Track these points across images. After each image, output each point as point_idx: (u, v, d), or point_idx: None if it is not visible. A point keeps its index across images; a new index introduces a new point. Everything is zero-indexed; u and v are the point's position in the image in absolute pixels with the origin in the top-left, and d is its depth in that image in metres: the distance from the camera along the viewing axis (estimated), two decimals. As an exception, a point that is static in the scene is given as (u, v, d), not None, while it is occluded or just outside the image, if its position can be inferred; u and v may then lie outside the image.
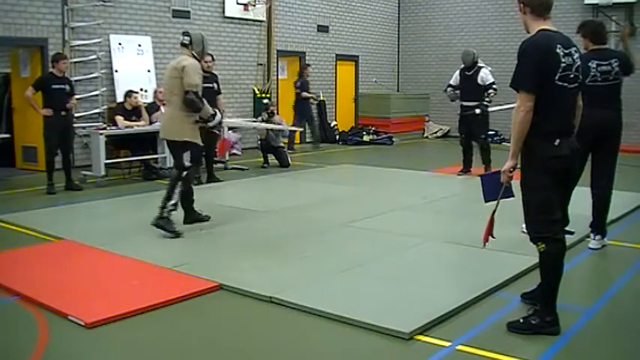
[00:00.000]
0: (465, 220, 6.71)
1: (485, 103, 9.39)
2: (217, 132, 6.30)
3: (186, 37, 6.13)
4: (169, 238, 5.83)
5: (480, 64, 9.52)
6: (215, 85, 8.94)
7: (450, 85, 9.83)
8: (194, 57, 6.07)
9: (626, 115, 5.57)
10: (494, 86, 9.35)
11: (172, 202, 5.93)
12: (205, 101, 6.15)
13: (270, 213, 7.05)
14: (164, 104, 9.87)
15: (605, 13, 14.67)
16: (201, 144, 6.27)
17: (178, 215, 6.10)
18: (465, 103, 9.57)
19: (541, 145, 3.63)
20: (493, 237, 4.08)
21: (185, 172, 6.02)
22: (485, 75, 9.41)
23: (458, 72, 9.76)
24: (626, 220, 6.84)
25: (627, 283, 4.84)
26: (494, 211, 4.01)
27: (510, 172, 3.79)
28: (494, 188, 4.06)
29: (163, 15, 11.93)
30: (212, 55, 9.41)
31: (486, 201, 4.18)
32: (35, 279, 4.70)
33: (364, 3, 16.84)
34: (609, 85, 5.39)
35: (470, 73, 9.51)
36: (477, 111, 9.34)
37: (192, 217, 6.36)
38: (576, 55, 3.72)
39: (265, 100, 13.06)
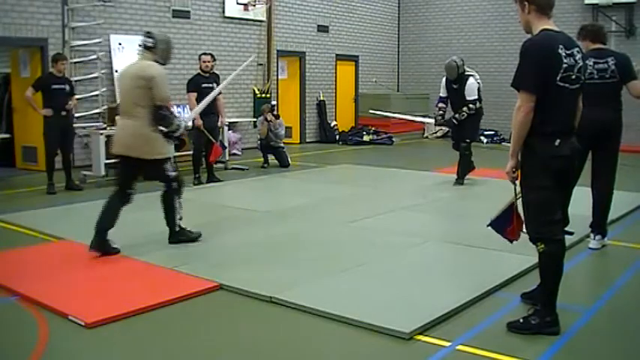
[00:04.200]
0: (465, 220, 6.71)
1: (455, 117, 8.83)
2: (180, 139, 5.65)
3: (149, 40, 5.43)
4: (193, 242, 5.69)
5: (467, 72, 8.85)
6: (215, 85, 8.93)
7: (440, 99, 9.16)
8: (157, 62, 5.42)
9: (626, 115, 5.56)
10: (470, 105, 8.67)
11: (176, 215, 5.62)
12: (173, 112, 5.65)
13: (270, 213, 7.05)
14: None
15: (605, 13, 14.68)
16: (172, 155, 5.67)
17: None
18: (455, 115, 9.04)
19: (541, 145, 3.63)
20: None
21: (175, 182, 5.58)
22: (469, 89, 8.71)
23: (444, 81, 9.02)
24: (626, 220, 6.84)
25: (627, 283, 4.84)
26: (515, 205, 3.96)
27: (513, 172, 3.79)
28: (506, 224, 4.07)
29: (163, 15, 11.93)
30: (212, 55, 9.41)
31: (512, 241, 4.16)
32: (35, 279, 4.70)
33: (364, 3, 16.84)
34: (606, 83, 5.39)
35: (456, 86, 8.81)
36: (456, 117, 8.87)
37: (176, 237, 5.76)
38: (579, 56, 3.71)
39: (273, 102, 13.06)
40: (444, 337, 3.72)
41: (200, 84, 8.98)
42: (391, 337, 3.70)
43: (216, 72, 9.44)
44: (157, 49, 5.43)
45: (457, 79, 8.78)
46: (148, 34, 5.50)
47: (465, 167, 9.03)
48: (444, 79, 9.08)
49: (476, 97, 8.80)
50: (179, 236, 5.67)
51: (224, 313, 4.21)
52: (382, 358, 3.53)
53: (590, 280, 5.16)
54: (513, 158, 3.74)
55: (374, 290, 4.49)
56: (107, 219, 5.34)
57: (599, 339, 3.80)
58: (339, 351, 3.61)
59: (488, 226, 4.16)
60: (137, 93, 5.28)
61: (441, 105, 9.16)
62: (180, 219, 5.65)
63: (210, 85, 8.83)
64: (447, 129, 16.36)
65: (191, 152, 9.19)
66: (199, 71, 9.27)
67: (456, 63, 8.75)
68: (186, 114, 10.10)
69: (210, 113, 8.93)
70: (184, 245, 5.66)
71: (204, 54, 9.36)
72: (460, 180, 8.98)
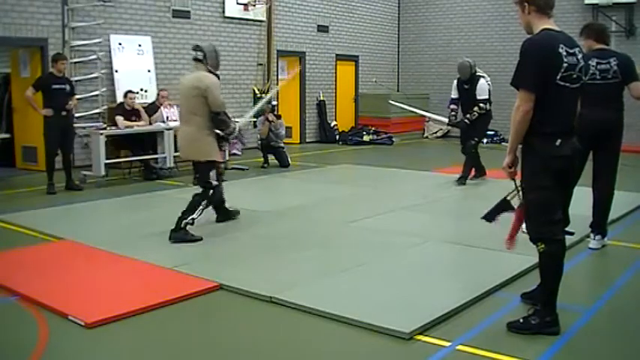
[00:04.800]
0: (465, 220, 6.71)
1: (467, 117, 8.88)
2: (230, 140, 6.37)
3: (199, 52, 5.85)
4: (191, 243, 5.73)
5: (479, 73, 8.96)
6: None
7: (452, 101, 9.21)
8: (210, 71, 5.87)
9: (627, 115, 5.55)
10: (481, 104, 8.77)
11: (193, 216, 5.77)
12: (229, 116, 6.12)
13: (270, 213, 7.05)
14: (169, 105, 9.98)
15: (605, 13, 14.68)
16: (219, 159, 6.17)
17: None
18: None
19: (542, 145, 3.63)
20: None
21: (212, 191, 5.92)
22: (480, 89, 8.80)
23: (455, 82, 9.12)
24: (626, 220, 6.84)
25: (627, 283, 4.84)
26: (511, 202, 3.97)
27: (510, 167, 3.79)
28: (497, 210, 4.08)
29: (163, 15, 11.93)
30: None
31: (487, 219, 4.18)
32: (35, 279, 4.70)
33: (364, 3, 16.84)
34: (608, 84, 5.38)
35: (468, 86, 8.89)
36: (467, 117, 8.91)
37: (225, 215, 6.51)
38: (580, 56, 3.71)
39: (274, 102, 13.06)
40: (444, 337, 3.72)
41: None
42: (391, 337, 3.70)
43: (217, 74, 9.43)
44: (206, 59, 5.85)
45: (469, 80, 8.87)
46: (197, 47, 5.92)
47: (469, 166, 9.04)
48: (455, 81, 9.16)
49: (487, 96, 8.88)
50: (180, 235, 5.73)
51: (224, 313, 4.21)
52: (382, 358, 3.53)
53: (590, 280, 5.16)
54: (511, 154, 3.75)
55: (374, 290, 4.49)
56: (183, 212, 5.79)
57: (599, 339, 3.80)
58: (339, 351, 3.61)
59: (482, 218, 4.19)
60: (193, 102, 5.74)
61: (453, 106, 9.21)
62: (192, 223, 5.78)
63: None
64: (448, 129, 16.46)
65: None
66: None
67: (469, 63, 8.87)
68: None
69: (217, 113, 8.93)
70: (184, 245, 5.66)
71: None
72: (463, 180, 8.98)
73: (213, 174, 5.92)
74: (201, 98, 5.70)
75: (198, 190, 5.95)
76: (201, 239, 5.78)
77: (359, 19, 16.72)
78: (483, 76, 9.00)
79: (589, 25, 5.73)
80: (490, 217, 4.12)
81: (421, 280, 4.78)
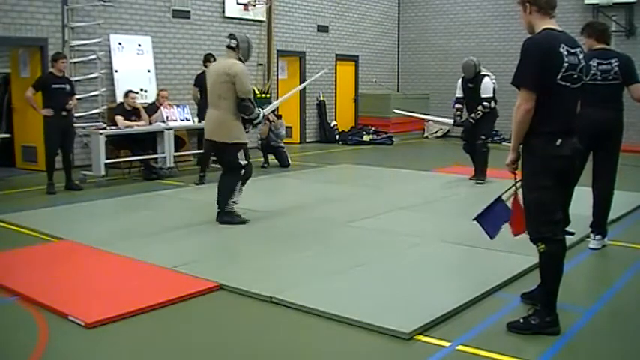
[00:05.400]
0: (465, 220, 6.66)
1: (472, 116, 8.88)
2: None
3: (232, 41, 6.23)
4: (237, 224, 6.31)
5: (483, 72, 8.96)
6: None
7: (457, 100, 9.22)
8: (240, 60, 6.21)
9: (627, 115, 5.55)
10: (485, 103, 8.75)
11: (234, 199, 6.32)
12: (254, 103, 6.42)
13: (270, 213, 7.05)
14: (169, 105, 9.99)
15: (605, 13, 14.67)
16: (247, 141, 6.42)
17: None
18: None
19: (542, 145, 3.63)
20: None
21: (244, 171, 6.34)
22: (485, 87, 8.80)
23: (460, 81, 9.14)
24: (626, 220, 6.84)
25: (627, 283, 4.84)
26: (515, 197, 3.99)
27: (513, 164, 3.79)
28: (494, 220, 4.09)
29: (163, 15, 11.93)
30: (213, 56, 9.42)
31: (492, 237, 4.24)
32: (35, 279, 4.70)
33: (364, 3, 16.84)
34: (609, 84, 5.38)
35: (472, 85, 8.90)
36: (472, 117, 8.91)
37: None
38: (581, 56, 3.71)
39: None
40: (444, 337, 3.72)
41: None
42: (391, 337, 3.70)
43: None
44: (239, 48, 6.22)
45: (473, 79, 8.88)
46: (232, 36, 6.32)
47: (482, 164, 9.03)
48: (459, 80, 9.16)
49: (491, 95, 8.88)
50: (227, 217, 6.31)
51: (224, 313, 4.21)
52: (382, 358, 3.53)
53: (590, 280, 5.16)
54: (514, 152, 3.77)
55: (374, 290, 4.49)
56: (222, 196, 6.34)
57: (599, 339, 3.80)
58: (339, 351, 3.61)
59: (473, 220, 4.23)
60: (222, 87, 6.13)
61: (457, 105, 9.23)
62: (236, 203, 6.35)
63: None
64: (448, 129, 16.46)
65: (189, 152, 9.19)
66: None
67: (473, 62, 8.88)
68: (187, 113, 10.13)
69: None
70: (184, 245, 5.67)
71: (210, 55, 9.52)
72: (481, 177, 8.99)
73: (241, 154, 6.29)
74: (229, 84, 6.07)
75: (226, 172, 6.38)
76: (245, 222, 6.35)
77: (359, 19, 16.72)
78: (488, 75, 9.01)
79: (590, 24, 5.71)
80: (492, 231, 4.19)
81: (421, 280, 4.78)
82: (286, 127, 12.05)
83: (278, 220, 6.77)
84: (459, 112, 9.24)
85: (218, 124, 6.24)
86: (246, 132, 6.42)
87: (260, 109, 6.49)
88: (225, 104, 6.15)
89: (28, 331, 3.82)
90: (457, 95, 9.25)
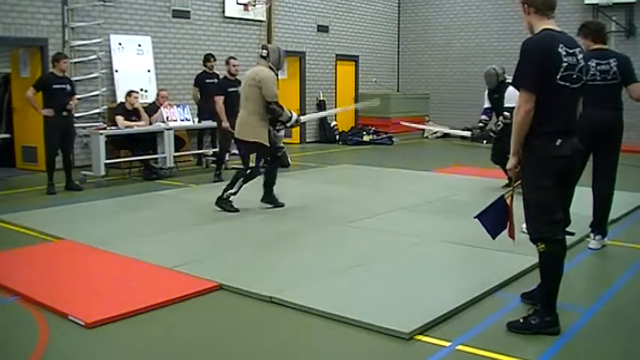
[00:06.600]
0: (465, 220, 6.69)
1: (492, 129, 8.46)
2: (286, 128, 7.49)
3: (264, 50, 6.89)
4: (230, 212, 6.87)
5: (508, 80, 7.93)
6: (239, 89, 8.88)
7: (484, 111, 8.71)
8: (270, 68, 6.77)
9: (626, 115, 5.56)
10: (505, 113, 7.94)
11: (233, 190, 6.91)
12: (283, 106, 6.94)
13: (270, 213, 7.05)
14: (169, 105, 10.01)
15: (605, 13, 14.68)
16: (269, 145, 6.90)
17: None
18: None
19: (542, 145, 3.63)
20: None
21: (249, 171, 6.97)
22: (508, 96, 7.89)
23: (487, 92, 8.65)
24: (626, 220, 6.84)
25: (627, 283, 4.84)
26: (508, 201, 4.01)
27: (516, 168, 3.79)
28: (495, 219, 4.09)
29: (163, 15, 11.93)
30: (213, 56, 9.42)
31: (494, 237, 4.24)
32: (35, 279, 4.70)
33: (364, 3, 16.84)
34: (608, 84, 5.38)
35: (497, 95, 8.35)
36: (492, 129, 8.52)
37: (268, 198, 7.24)
38: (580, 56, 3.71)
39: None
40: (444, 337, 3.72)
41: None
42: (391, 337, 3.70)
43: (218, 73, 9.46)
44: (269, 57, 6.83)
45: (497, 89, 8.37)
46: (264, 46, 7.01)
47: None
48: (486, 91, 8.71)
49: (513, 105, 8.39)
50: (222, 203, 6.93)
51: (224, 313, 4.21)
52: (382, 358, 3.53)
53: (590, 280, 5.16)
54: (515, 156, 3.76)
55: (374, 290, 4.49)
56: (268, 183, 7.22)
57: (599, 339, 3.79)
58: (339, 351, 3.61)
59: (475, 217, 4.22)
60: (249, 91, 6.77)
61: (483, 117, 8.80)
62: (235, 194, 6.93)
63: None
64: (448, 128, 16.44)
65: (189, 152, 9.18)
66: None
67: (495, 70, 8.42)
68: (187, 113, 10.13)
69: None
70: (184, 245, 5.67)
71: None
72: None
73: (260, 153, 6.94)
74: (255, 88, 6.67)
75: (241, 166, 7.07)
76: (237, 211, 6.89)
77: (359, 19, 16.72)
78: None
79: (586, 24, 5.70)
80: (484, 219, 4.17)
81: (421, 280, 4.78)
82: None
83: (278, 219, 6.77)
84: (481, 124, 8.87)
85: (243, 124, 6.84)
86: (277, 130, 7.07)
87: (292, 112, 7.06)
88: (250, 106, 6.74)
89: (28, 331, 3.82)
90: (485, 106, 8.75)
